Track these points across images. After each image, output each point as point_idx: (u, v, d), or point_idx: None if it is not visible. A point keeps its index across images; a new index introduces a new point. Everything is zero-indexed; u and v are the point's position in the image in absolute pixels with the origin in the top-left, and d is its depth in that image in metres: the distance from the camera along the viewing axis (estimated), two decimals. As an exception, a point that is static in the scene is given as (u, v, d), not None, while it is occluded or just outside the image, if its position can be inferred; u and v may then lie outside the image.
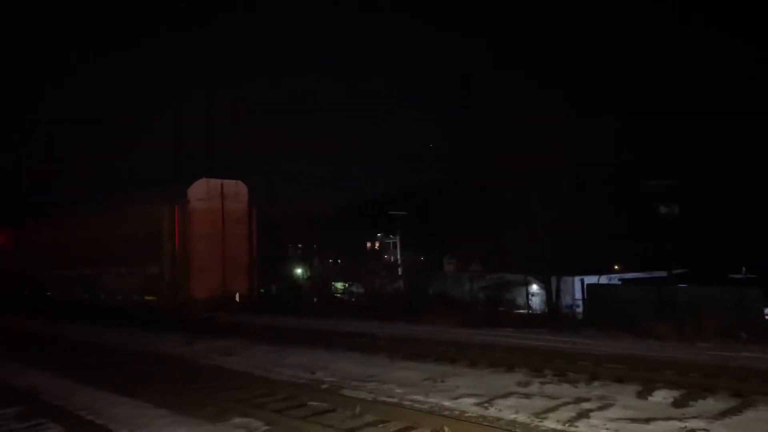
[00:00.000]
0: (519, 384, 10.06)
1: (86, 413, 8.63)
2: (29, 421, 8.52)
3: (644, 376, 10.21)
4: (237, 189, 24.36)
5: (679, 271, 23.79)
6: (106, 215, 26.08)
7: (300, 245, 42.79)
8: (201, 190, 23.18)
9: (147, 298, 23.56)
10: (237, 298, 23.61)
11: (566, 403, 8.61)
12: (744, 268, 28.96)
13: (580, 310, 22.47)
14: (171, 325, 19.96)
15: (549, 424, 7.68)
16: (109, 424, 7.96)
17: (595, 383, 10.01)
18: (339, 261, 39.70)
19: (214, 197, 23.30)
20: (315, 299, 30.74)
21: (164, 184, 25.18)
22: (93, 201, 30.41)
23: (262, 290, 41.23)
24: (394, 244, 50.63)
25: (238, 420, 8.19)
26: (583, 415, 8.01)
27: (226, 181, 23.98)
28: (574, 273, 25.54)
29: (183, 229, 22.43)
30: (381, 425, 7.83)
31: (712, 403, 8.60)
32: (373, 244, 57.46)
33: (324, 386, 10.32)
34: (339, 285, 34.54)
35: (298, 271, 38.24)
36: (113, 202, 26.98)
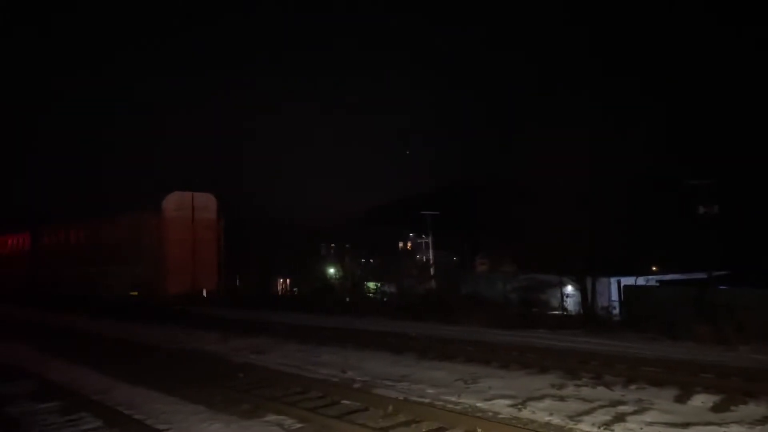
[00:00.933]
0: (553, 386, 9.94)
1: (124, 408, 8.81)
2: (70, 414, 8.75)
3: (683, 380, 9.98)
4: (206, 200, 28.30)
5: (719, 272, 23.18)
6: (103, 222, 30.04)
7: (333, 245, 43.04)
8: (174, 202, 27.11)
9: (132, 293, 27.34)
10: (204, 294, 27.99)
11: (602, 406, 8.47)
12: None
13: (616, 311, 22.08)
14: (157, 315, 23.32)
15: (584, 427, 7.56)
16: (147, 420, 8.12)
17: (632, 386, 9.82)
18: (371, 261, 39.81)
19: (185, 208, 27.20)
20: (347, 298, 30.88)
21: (146, 196, 29.73)
22: (94, 208, 34.73)
23: (294, 289, 41.75)
24: (426, 244, 50.41)
25: (271, 417, 8.27)
26: (619, 418, 7.87)
27: (196, 194, 28.08)
28: (610, 274, 25.11)
29: (159, 234, 26.38)
30: (413, 425, 7.82)
31: (753, 409, 8.36)
32: (405, 244, 57.39)
33: (356, 385, 10.35)
34: (371, 285, 34.61)
35: (331, 270, 38.47)
36: (108, 210, 31.30)
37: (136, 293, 27.22)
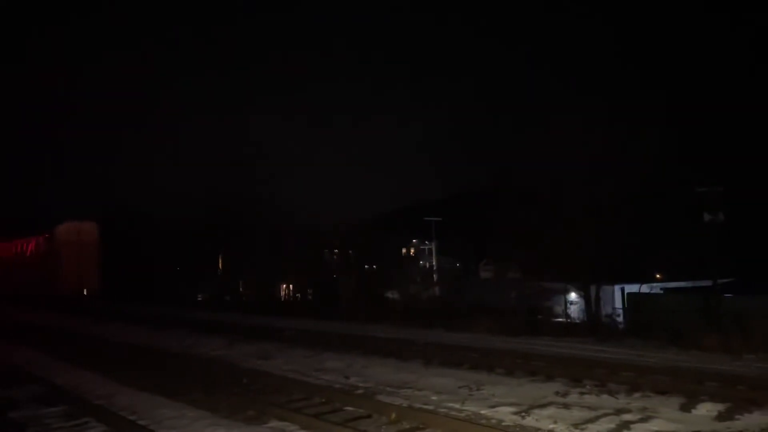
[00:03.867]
0: (557, 394, 9.91)
1: (128, 413, 8.81)
2: (75, 419, 8.76)
3: (688, 388, 9.95)
4: (89, 227, 41.28)
5: (724, 280, 23.04)
6: (24, 241, 43.64)
7: (336, 250, 43.01)
8: (66, 229, 39.98)
9: (40, 292, 39.70)
10: (86, 292, 40.01)
11: (606, 414, 8.44)
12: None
13: (620, 319, 21.98)
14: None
15: (588, 435, 7.54)
16: (151, 425, 8.11)
17: (637, 394, 9.79)
18: (374, 267, 39.72)
19: (74, 233, 39.66)
20: (350, 305, 30.79)
21: (50, 224, 41.72)
22: (29, 229, 46.87)
23: (297, 295, 41.72)
24: (430, 250, 50.30)
25: (275, 423, 8.27)
26: (624, 426, 7.85)
27: (83, 223, 41.20)
28: (614, 281, 24.98)
29: (56, 252, 39.14)
30: (417, 432, 7.81)
31: (758, 417, 8.32)
32: (408, 250, 57.20)
33: (359, 392, 10.35)
34: (375, 291, 34.46)
35: (334, 276, 38.34)
36: (26, 232, 44.64)
37: (40, 292, 39.48)
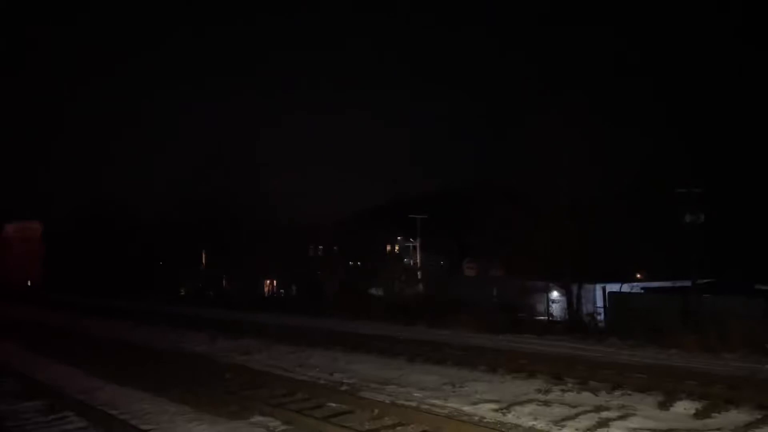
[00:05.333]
0: (539, 391, 10.00)
1: (109, 408, 8.75)
2: (54, 414, 8.68)
3: (666, 387, 10.07)
4: (34, 225, 51.22)
5: (703, 280, 23.37)
6: None
7: (321, 247, 42.97)
8: (14, 227, 51.46)
9: None
10: (29, 284, 48.37)
11: (586, 412, 8.53)
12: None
13: (601, 318, 22.20)
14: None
15: (568, 432, 7.62)
16: (132, 420, 8.07)
17: (616, 392, 9.90)
18: (359, 263, 39.78)
19: (21, 231, 49.83)
20: (335, 301, 30.80)
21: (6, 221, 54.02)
22: None
23: (281, 291, 41.69)
24: (414, 247, 50.42)
25: (257, 418, 8.26)
26: (603, 424, 7.94)
27: (28, 222, 51.16)
28: (595, 280, 25.24)
29: (6, 247, 49.20)
30: (399, 428, 7.84)
31: (735, 415, 8.46)
32: (392, 247, 57.24)
33: (343, 388, 10.36)
34: (359, 288, 34.49)
35: (318, 272, 38.35)
36: None
37: None
